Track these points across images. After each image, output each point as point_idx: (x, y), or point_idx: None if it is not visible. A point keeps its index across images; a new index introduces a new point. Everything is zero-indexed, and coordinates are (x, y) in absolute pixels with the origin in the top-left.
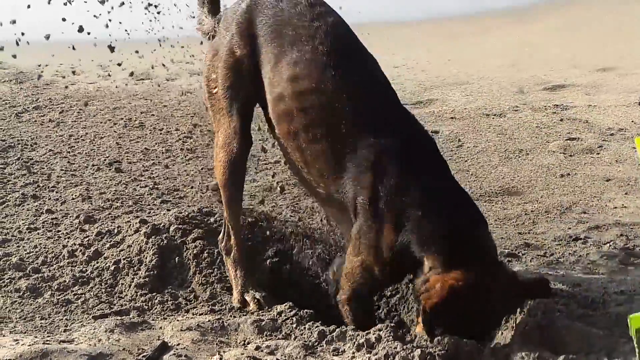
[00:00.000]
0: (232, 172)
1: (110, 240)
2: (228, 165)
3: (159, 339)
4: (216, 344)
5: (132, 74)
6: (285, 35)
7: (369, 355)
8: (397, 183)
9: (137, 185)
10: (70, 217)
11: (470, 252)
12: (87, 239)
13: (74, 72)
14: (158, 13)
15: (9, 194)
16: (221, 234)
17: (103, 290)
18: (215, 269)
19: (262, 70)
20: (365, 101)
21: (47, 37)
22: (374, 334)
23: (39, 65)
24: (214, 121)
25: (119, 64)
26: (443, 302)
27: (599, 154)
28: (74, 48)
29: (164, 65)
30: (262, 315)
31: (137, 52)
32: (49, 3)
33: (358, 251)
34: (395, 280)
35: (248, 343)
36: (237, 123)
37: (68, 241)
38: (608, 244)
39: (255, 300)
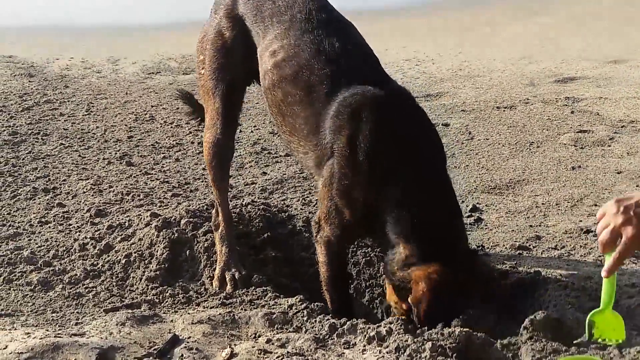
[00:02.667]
0: (216, 153)
1: (121, 234)
2: (212, 146)
3: (170, 332)
4: (227, 337)
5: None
6: (266, 10)
7: (379, 348)
8: (376, 133)
9: (148, 178)
10: (81, 210)
11: (446, 241)
12: (98, 232)
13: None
14: None
15: (20, 187)
16: (213, 212)
17: (114, 283)
18: None
19: (256, 49)
20: (343, 60)
21: None
22: (384, 327)
23: (49, 57)
24: (203, 101)
25: None
26: (432, 303)
27: (610, 146)
28: None
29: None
30: (273, 308)
31: None
32: None
33: (331, 195)
34: (367, 232)
35: (259, 336)
36: (220, 105)
37: (79, 234)
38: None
39: (232, 282)
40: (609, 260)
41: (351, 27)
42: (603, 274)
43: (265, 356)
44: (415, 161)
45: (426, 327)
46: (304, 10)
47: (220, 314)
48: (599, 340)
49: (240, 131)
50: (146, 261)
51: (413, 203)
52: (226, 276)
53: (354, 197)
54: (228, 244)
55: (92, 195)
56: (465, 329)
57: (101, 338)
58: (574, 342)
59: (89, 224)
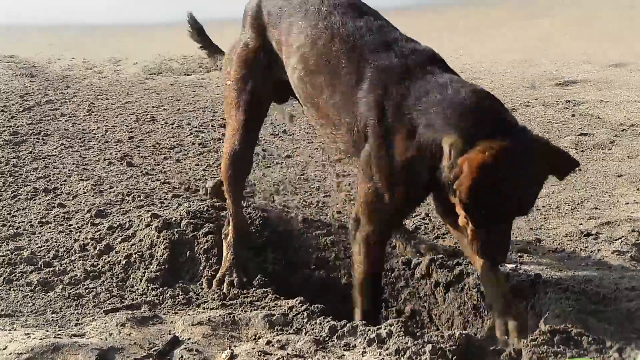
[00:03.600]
0: (234, 164)
1: (122, 235)
2: (230, 157)
3: (170, 333)
4: (227, 339)
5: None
6: (290, 9)
7: (379, 350)
8: (399, 92)
9: (149, 179)
10: (81, 211)
11: (491, 122)
12: (99, 233)
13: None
14: None
15: (21, 187)
16: (225, 222)
17: (114, 284)
18: None
19: (279, 55)
20: (368, 37)
21: None
22: (384, 329)
23: (50, 57)
24: (225, 113)
25: None
26: (476, 184)
27: (610, 149)
28: None
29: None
30: (273, 310)
31: None
32: None
33: (369, 177)
34: (411, 207)
35: (259, 338)
36: (242, 116)
37: (79, 235)
38: (619, 240)
39: (230, 285)
40: None
41: (371, 9)
42: None
43: (265, 358)
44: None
45: (474, 223)
46: (316, 1)
47: (220, 315)
48: None
49: None
50: (146, 262)
51: (440, 105)
52: (226, 279)
53: (404, 164)
54: (234, 252)
55: (93, 196)
56: (465, 332)
57: (101, 339)
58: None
59: (89, 224)
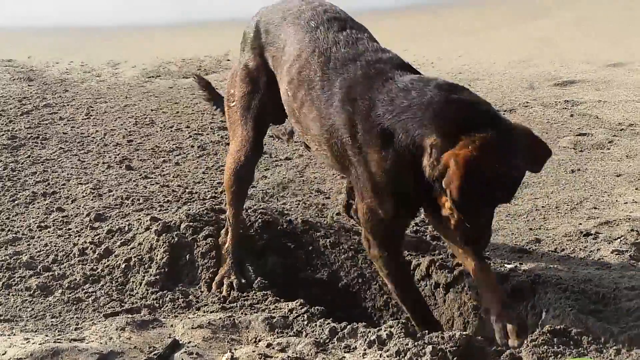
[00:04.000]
0: (237, 179)
1: (121, 238)
2: (233, 172)
3: (170, 337)
4: (227, 342)
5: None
6: (284, 27)
7: (380, 352)
8: (366, 104)
9: (148, 182)
10: (80, 215)
11: (466, 114)
12: (98, 236)
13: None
14: None
15: (20, 192)
16: (223, 230)
17: (114, 288)
18: None
19: (275, 72)
20: (343, 50)
21: None
22: (385, 331)
23: (48, 61)
24: (230, 132)
25: None
26: (466, 180)
27: (609, 149)
28: None
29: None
30: (273, 313)
31: None
32: None
33: (361, 196)
34: (408, 214)
35: (259, 340)
36: (248, 133)
37: (79, 239)
38: (619, 240)
39: (229, 287)
40: None
41: (362, 26)
42: None
43: None
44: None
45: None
46: (316, 17)
47: (220, 318)
48: None
49: None
50: (146, 266)
51: (412, 106)
52: (224, 282)
53: (384, 175)
54: (232, 257)
55: (92, 200)
56: (465, 333)
57: (101, 343)
58: None
59: (88, 228)
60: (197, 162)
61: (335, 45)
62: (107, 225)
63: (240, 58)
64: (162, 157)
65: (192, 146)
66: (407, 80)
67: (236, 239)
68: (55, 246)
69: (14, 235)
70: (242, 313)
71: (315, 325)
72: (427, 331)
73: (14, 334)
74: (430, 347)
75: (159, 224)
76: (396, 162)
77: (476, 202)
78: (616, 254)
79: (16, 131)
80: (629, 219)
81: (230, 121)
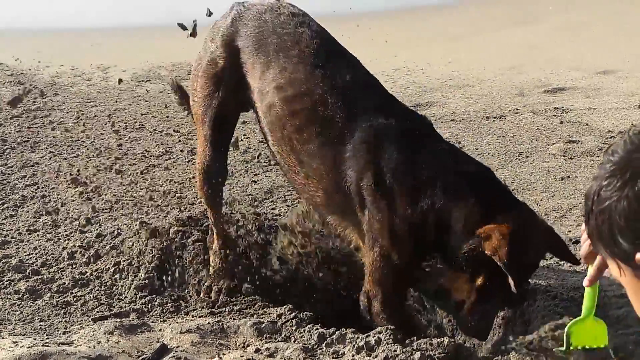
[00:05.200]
0: (207, 178)
1: (110, 242)
2: (202, 172)
3: (158, 341)
4: (215, 347)
5: (120, 81)
6: (271, 44)
7: (368, 358)
8: (401, 155)
9: (137, 187)
10: (70, 218)
11: (499, 195)
12: (87, 240)
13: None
14: None
15: (9, 195)
16: (209, 231)
17: (102, 292)
18: None
19: (249, 82)
20: (356, 94)
21: None
22: (373, 337)
23: (39, 64)
24: (196, 128)
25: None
26: (512, 247)
27: (599, 156)
28: None
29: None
30: (262, 318)
31: None
32: None
33: (374, 242)
34: (419, 265)
35: (247, 345)
36: (209, 132)
37: (68, 243)
38: None
39: (218, 292)
40: (590, 270)
41: (353, 57)
42: (585, 283)
43: None
44: (444, 164)
45: (512, 281)
46: (312, 44)
47: (209, 323)
48: (579, 348)
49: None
50: (135, 270)
51: (455, 187)
52: (213, 286)
53: (403, 230)
54: (219, 259)
55: (81, 204)
56: (453, 340)
57: (89, 347)
58: (554, 349)
59: (77, 232)
60: (187, 166)
61: (354, 84)
62: (97, 229)
63: (205, 49)
64: (152, 161)
65: (182, 151)
66: (451, 148)
67: (222, 239)
68: (44, 250)
69: (3, 238)
70: (230, 318)
71: (304, 330)
72: (415, 337)
73: (2, 338)
74: (418, 353)
75: (148, 228)
76: (423, 216)
77: (521, 266)
78: None
79: (6, 135)
80: None
81: (195, 117)
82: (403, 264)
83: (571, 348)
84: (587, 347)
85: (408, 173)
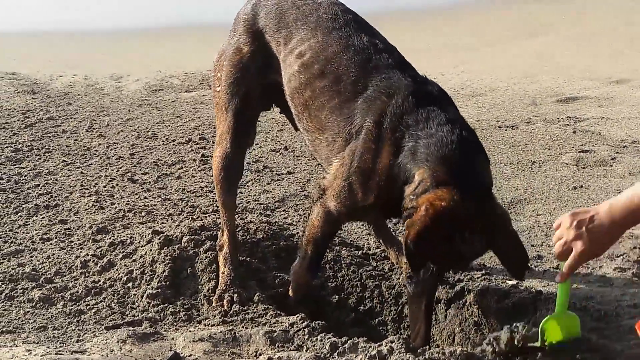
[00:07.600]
0: (225, 168)
1: (123, 251)
2: (220, 161)
3: (171, 350)
4: (228, 355)
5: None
6: (290, 16)
7: None
8: (404, 106)
9: (150, 195)
10: (83, 227)
11: (467, 174)
12: (100, 249)
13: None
14: None
15: (23, 204)
16: (219, 233)
17: (115, 300)
18: None
19: (276, 59)
20: (373, 53)
21: None
22: (385, 346)
23: (52, 74)
24: (216, 118)
25: None
26: (426, 229)
27: (612, 166)
28: None
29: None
30: (274, 327)
31: None
32: None
33: (348, 173)
34: (376, 209)
35: (260, 354)
36: (232, 119)
37: (81, 251)
38: (621, 257)
39: (230, 302)
40: (562, 268)
41: (370, 25)
42: (557, 279)
43: None
44: (437, 125)
45: (410, 264)
46: (330, 11)
47: (221, 331)
48: (553, 343)
49: None
50: (147, 278)
51: (431, 139)
52: (225, 296)
53: (373, 171)
54: (231, 265)
55: (94, 212)
56: (466, 350)
57: (102, 355)
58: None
59: (90, 240)
60: (199, 175)
61: (373, 47)
62: (109, 238)
63: (229, 40)
64: (165, 170)
65: (194, 160)
66: (453, 115)
67: (233, 240)
68: (57, 258)
69: (16, 247)
70: (242, 327)
71: (316, 339)
72: (427, 347)
73: (16, 346)
74: None
75: (161, 237)
76: (395, 170)
77: (427, 255)
78: (618, 271)
79: (19, 144)
80: (632, 236)
81: (217, 107)
82: (362, 202)
83: (546, 344)
84: (561, 340)
85: (400, 125)
